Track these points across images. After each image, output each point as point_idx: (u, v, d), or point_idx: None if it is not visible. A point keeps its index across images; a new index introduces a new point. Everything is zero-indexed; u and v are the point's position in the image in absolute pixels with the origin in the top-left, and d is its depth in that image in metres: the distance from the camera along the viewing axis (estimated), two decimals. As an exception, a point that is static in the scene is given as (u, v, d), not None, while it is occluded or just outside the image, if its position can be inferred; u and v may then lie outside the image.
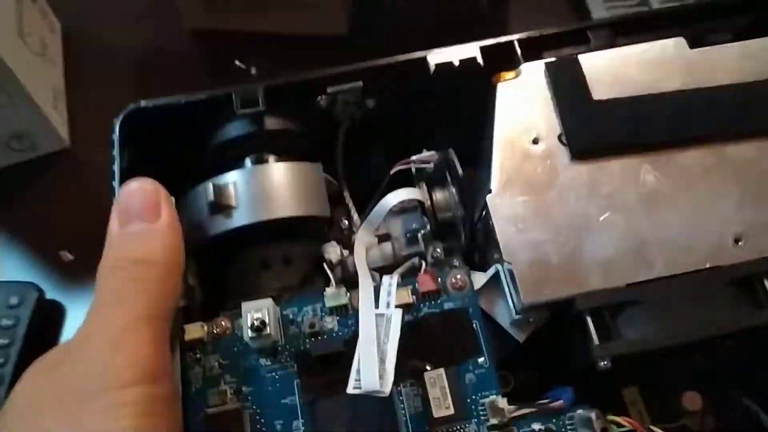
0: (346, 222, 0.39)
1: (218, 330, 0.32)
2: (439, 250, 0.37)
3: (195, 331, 0.32)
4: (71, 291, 0.48)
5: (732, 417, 0.36)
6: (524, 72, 0.35)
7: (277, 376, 0.31)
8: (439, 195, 0.38)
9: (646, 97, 0.34)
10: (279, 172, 0.34)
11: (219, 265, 0.36)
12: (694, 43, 0.36)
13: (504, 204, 0.33)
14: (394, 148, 0.40)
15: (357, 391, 0.28)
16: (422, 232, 0.37)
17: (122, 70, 0.54)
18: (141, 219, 0.29)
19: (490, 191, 0.33)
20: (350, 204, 0.39)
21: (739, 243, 0.32)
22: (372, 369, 0.28)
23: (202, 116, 0.35)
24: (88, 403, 0.24)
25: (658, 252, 0.31)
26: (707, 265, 0.31)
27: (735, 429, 0.35)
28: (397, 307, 0.31)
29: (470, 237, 0.38)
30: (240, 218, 0.33)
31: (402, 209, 0.39)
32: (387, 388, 0.28)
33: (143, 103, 0.34)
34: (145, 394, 0.25)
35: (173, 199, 0.31)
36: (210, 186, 0.33)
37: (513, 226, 0.32)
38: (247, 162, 0.35)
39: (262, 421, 0.30)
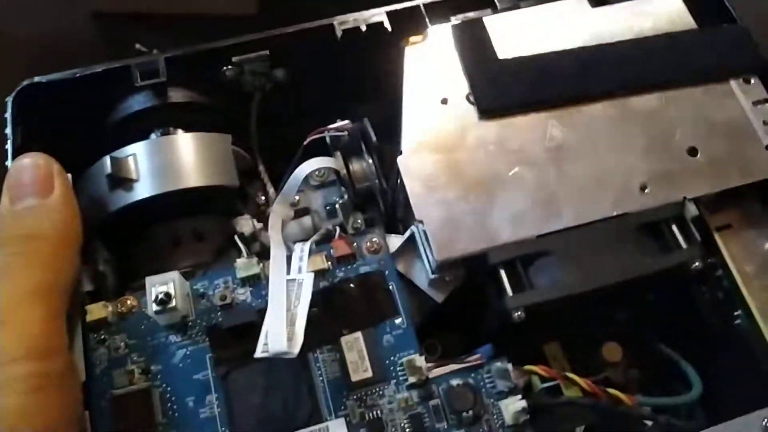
0: (263, 198, 0.38)
1: (123, 308, 0.30)
2: (359, 221, 0.37)
3: (98, 311, 0.30)
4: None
5: (654, 367, 0.36)
6: (431, 35, 0.36)
7: (188, 352, 0.30)
8: (356, 165, 0.38)
9: (549, 55, 0.35)
10: (183, 142, 0.33)
11: (128, 245, 0.34)
12: (596, 3, 0.37)
13: (414, 164, 0.32)
14: (313, 123, 0.39)
15: (265, 355, 0.27)
16: (339, 201, 0.36)
17: (15, 56, 0.50)
18: (32, 194, 0.27)
19: (401, 153, 0.33)
20: (265, 178, 0.38)
21: (645, 190, 0.32)
22: (280, 331, 0.27)
23: (100, 92, 0.34)
24: None
25: (566, 203, 0.32)
26: (615, 213, 0.32)
27: (657, 378, 0.36)
28: (310, 272, 0.30)
29: (391, 207, 0.38)
30: (141, 191, 0.32)
31: (321, 183, 0.39)
32: (295, 350, 0.27)
33: (37, 79, 0.33)
34: (33, 371, 0.24)
35: (69, 175, 0.30)
36: (107, 159, 0.31)
37: (424, 185, 0.32)
38: (153, 137, 0.34)
39: (173, 399, 0.29)
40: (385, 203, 0.38)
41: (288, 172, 0.36)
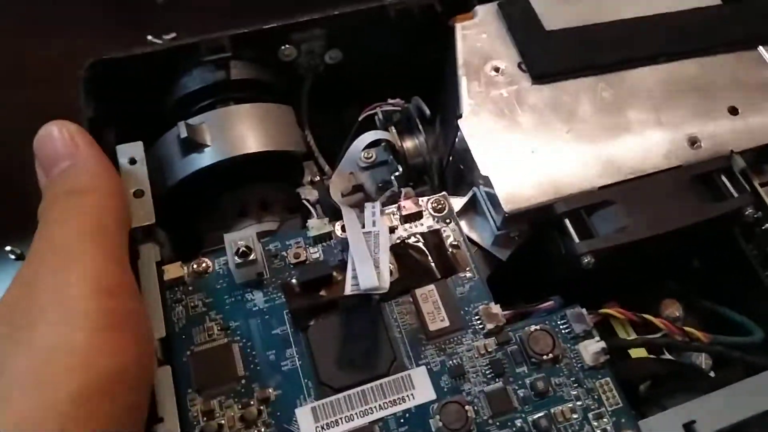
0: (318, 177, 0.39)
1: (199, 269, 0.31)
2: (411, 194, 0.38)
3: (174, 270, 0.30)
4: None
5: (711, 324, 0.37)
6: (479, 13, 0.38)
7: (265, 309, 0.30)
8: (408, 143, 0.39)
9: (594, 26, 0.37)
10: (251, 112, 0.34)
11: (194, 215, 0.35)
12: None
13: (475, 125, 0.34)
14: (362, 106, 0.40)
15: (356, 291, 0.27)
16: (396, 174, 0.37)
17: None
18: (61, 159, 0.27)
19: (460, 116, 0.34)
20: (319, 155, 0.39)
21: (695, 145, 0.34)
22: (369, 269, 0.27)
23: (165, 68, 0.35)
24: (40, 317, 0.22)
25: (622, 157, 0.33)
26: (669, 166, 0.33)
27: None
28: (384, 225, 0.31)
29: (440, 183, 0.39)
30: (214, 155, 0.32)
31: (369, 165, 0.40)
32: (385, 284, 0.27)
33: (106, 55, 0.34)
34: (102, 307, 0.23)
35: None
36: (183, 124, 0.32)
37: (486, 144, 0.33)
38: (218, 108, 0.35)
39: (254, 353, 0.29)
40: (437, 175, 0.39)
41: (345, 146, 0.38)
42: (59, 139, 0.28)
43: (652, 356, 0.34)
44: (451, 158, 0.38)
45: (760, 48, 0.37)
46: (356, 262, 0.28)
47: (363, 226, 0.31)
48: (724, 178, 0.33)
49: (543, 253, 0.34)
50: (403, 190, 0.34)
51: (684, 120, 0.34)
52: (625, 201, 0.32)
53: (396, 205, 0.33)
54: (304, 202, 0.34)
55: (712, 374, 0.35)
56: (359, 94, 0.40)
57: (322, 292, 0.30)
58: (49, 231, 0.25)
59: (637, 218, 0.31)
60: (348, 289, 0.27)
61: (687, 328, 0.31)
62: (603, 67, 0.35)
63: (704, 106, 0.35)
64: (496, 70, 0.35)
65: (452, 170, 0.38)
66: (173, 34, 0.48)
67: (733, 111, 0.35)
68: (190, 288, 0.30)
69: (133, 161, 0.31)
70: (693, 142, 0.34)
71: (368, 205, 0.32)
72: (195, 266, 0.31)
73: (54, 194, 0.27)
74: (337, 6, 0.37)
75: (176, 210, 0.34)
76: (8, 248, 0.45)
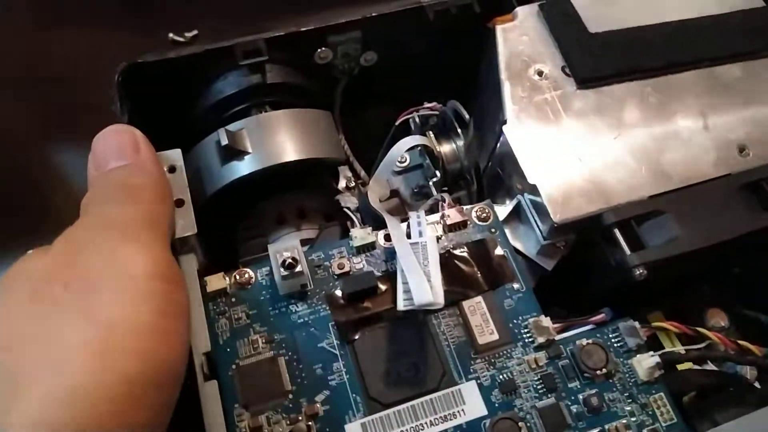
0: (353, 182, 0.39)
1: (242, 279, 0.30)
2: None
3: (217, 281, 0.30)
4: None
5: (752, 333, 0.37)
6: (520, 15, 0.37)
7: (309, 321, 0.29)
8: (445, 147, 0.38)
9: (638, 29, 0.36)
10: (291, 117, 0.33)
11: (230, 224, 0.34)
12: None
13: (520, 131, 0.33)
14: (394, 109, 0.39)
15: (410, 307, 0.26)
16: (434, 179, 0.37)
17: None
18: (119, 158, 0.26)
19: (504, 122, 0.33)
20: (354, 160, 0.38)
21: (744, 152, 0.33)
22: (421, 284, 0.26)
23: (200, 71, 0.34)
24: (100, 287, 0.21)
25: (672, 165, 0.32)
26: (719, 174, 0.32)
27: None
28: (431, 235, 0.30)
29: (478, 186, 0.38)
30: (255, 163, 0.31)
31: (403, 169, 0.39)
32: (440, 300, 0.26)
33: (140, 58, 0.33)
34: (162, 292, 0.22)
35: (179, 150, 0.30)
36: (223, 131, 0.31)
37: (532, 151, 0.32)
38: (253, 113, 0.34)
39: (300, 367, 0.28)
40: (476, 180, 0.38)
41: (382, 151, 0.37)
42: (120, 141, 0.27)
43: (697, 367, 0.34)
44: (489, 164, 0.37)
45: (806, 52, 0.37)
46: (408, 275, 0.27)
47: (408, 237, 0.30)
48: (774, 187, 0.33)
49: (589, 263, 0.33)
50: (446, 199, 0.33)
51: (731, 126, 0.34)
52: (676, 211, 0.31)
53: (439, 214, 0.32)
54: (345, 210, 0.33)
55: (756, 385, 0.34)
56: (389, 96, 0.39)
57: (367, 304, 0.30)
58: (99, 214, 0.24)
59: (688, 229, 0.31)
60: (401, 305, 0.26)
61: (741, 342, 0.30)
62: (649, 71, 0.35)
63: (751, 111, 0.34)
64: (540, 74, 0.34)
65: (489, 176, 0.38)
66: (195, 32, 0.47)
67: (781, 117, 0.34)
68: (233, 300, 0.30)
69: (172, 169, 0.29)
70: (741, 149, 0.33)
71: (413, 215, 0.31)
72: (237, 277, 0.30)
73: (106, 185, 0.26)
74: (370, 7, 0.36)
75: (213, 218, 0.33)
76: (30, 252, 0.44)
